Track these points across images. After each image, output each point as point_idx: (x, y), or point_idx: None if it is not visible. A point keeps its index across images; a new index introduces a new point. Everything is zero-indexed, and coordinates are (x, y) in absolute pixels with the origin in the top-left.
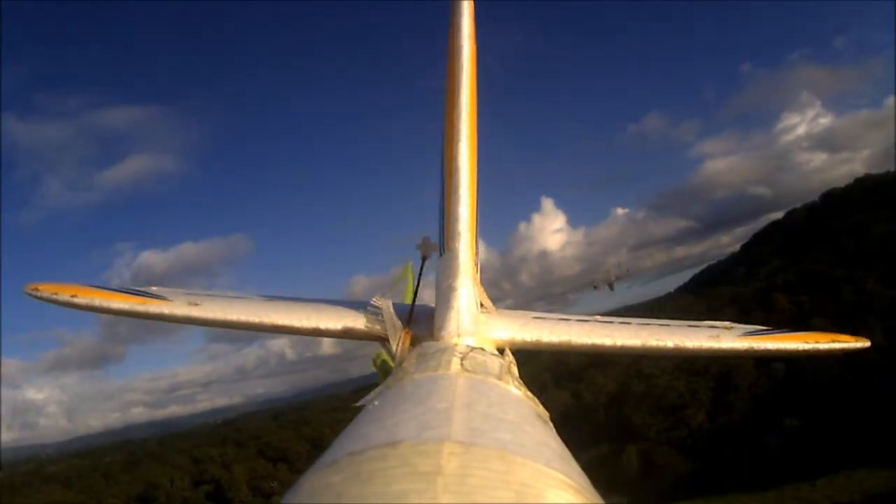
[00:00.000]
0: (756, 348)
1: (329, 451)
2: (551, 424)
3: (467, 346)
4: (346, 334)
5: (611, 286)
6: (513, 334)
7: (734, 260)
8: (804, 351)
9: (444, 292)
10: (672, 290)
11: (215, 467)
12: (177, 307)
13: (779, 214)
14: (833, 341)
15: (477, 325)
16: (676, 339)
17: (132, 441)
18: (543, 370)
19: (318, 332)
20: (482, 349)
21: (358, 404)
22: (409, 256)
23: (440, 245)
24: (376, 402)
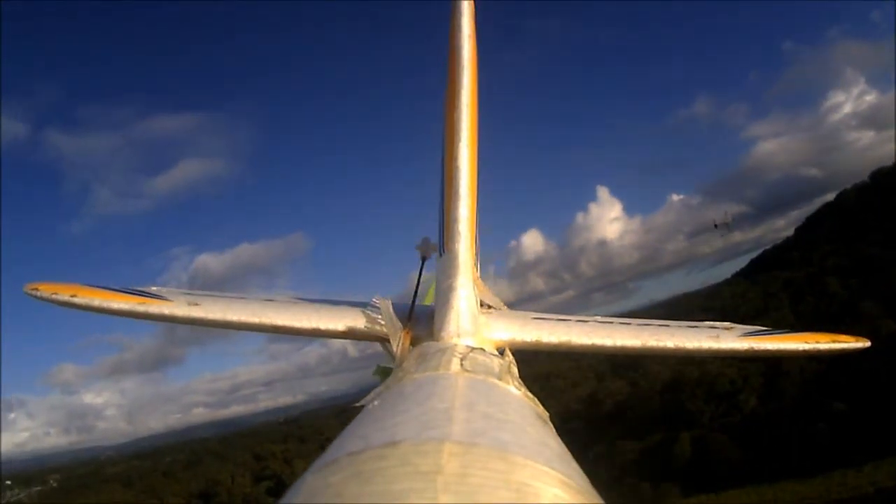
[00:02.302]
0: (756, 349)
1: (329, 451)
2: (551, 424)
3: (467, 346)
4: (347, 334)
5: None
6: (513, 334)
7: (789, 244)
8: (804, 351)
9: (444, 292)
10: (729, 276)
11: (277, 463)
12: (177, 307)
13: (831, 196)
14: (833, 342)
15: (477, 326)
16: (676, 339)
17: (193, 441)
18: (602, 360)
19: (318, 333)
20: (482, 349)
21: (358, 404)
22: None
23: (440, 245)
24: (376, 402)
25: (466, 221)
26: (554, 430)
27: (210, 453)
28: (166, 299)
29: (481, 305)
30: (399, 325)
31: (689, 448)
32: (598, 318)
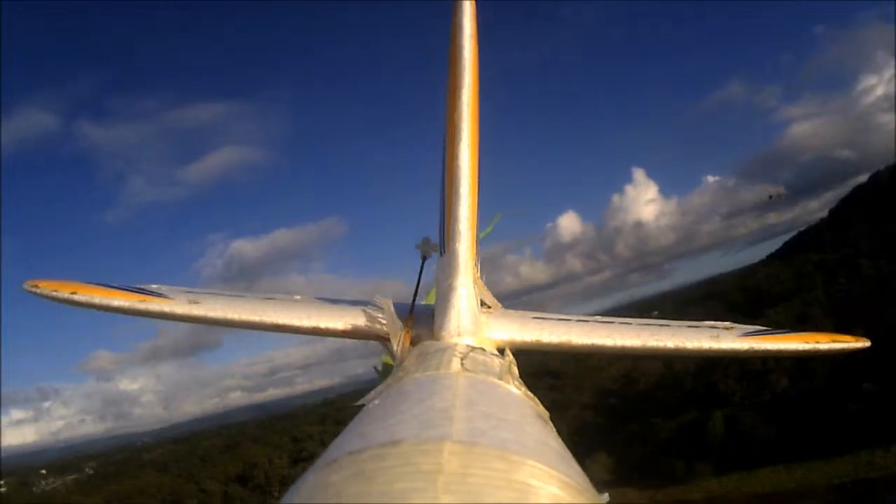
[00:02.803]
0: (756, 349)
1: (329, 450)
2: (551, 424)
3: (467, 345)
4: (347, 334)
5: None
6: (513, 334)
7: (823, 226)
8: (804, 351)
9: (445, 292)
10: (764, 257)
11: (314, 445)
12: (177, 305)
13: (864, 177)
14: (833, 341)
15: (477, 325)
16: (677, 339)
17: (231, 425)
18: None
19: (318, 332)
20: (482, 349)
21: (358, 403)
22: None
23: (440, 245)
24: (377, 402)
25: (467, 221)
26: (554, 430)
27: (247, 437)
28: (167, 297)
29: (481, 305)
30: (399, 324)
31: (722, 426)
32: (599, 318)
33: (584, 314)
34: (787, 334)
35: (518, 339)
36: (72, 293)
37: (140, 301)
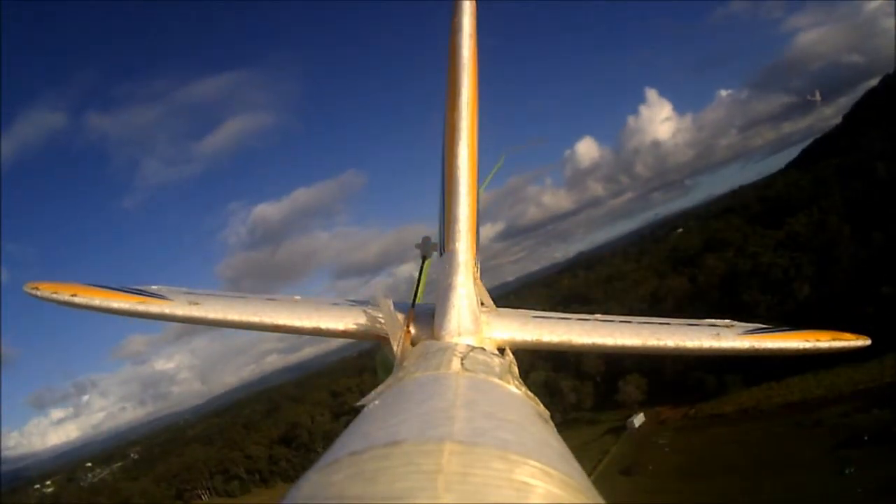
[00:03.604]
0: (757, 347)
1: (330, 450)
2: (552, 424)
3: (467, 345)
4: (347, 334)
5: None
6: (513, 334)
7: (838, 132)
8: (805, 349)
9: (445, 291)
10: (783, 166)
11: (354, 397)
12: (177, 307)
13: (875, 81)
14: (834, 339)
15: (477, 325)
16: (677, 338)
17: (270, 389)
18: (663, 258)
19: (318, 332)
20: (482, 349)
21: (358, 404)
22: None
23: (440, 244)
24: (377, 402)
25: (466, 221)
26: (555, 429)
27: (287, 398)
28: (166, 298)
29: (481, 305)
30: (399, 324)
31: None
32: (599, 317)
33: (585, 314)
34: (787, 332)
35: (518, 338)
36: (72, 295)
37: (140, 303)
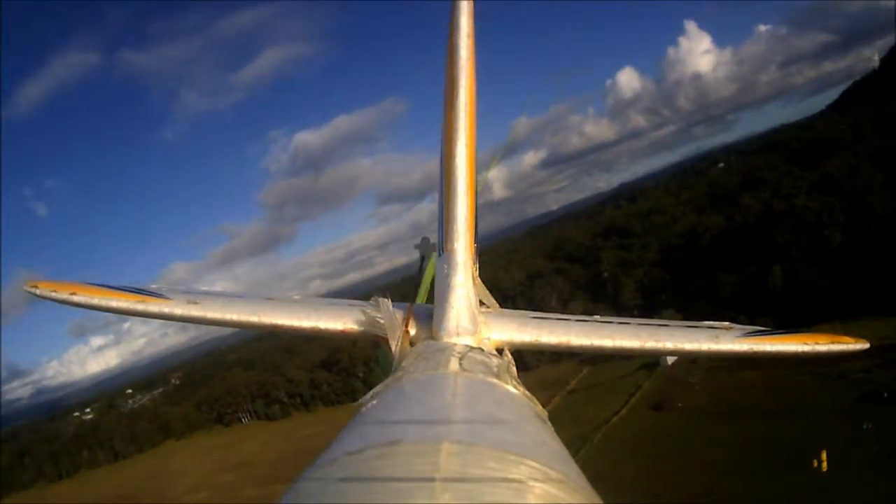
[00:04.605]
0: (755, 349)
1: (328, 450)
2: (550, 424)
3: (466, 345)
4: (346, 333)
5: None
6: (511, 334)
7: (876, 74)
8: (803, 353)
9: (443, 292)
10: (823, 107)
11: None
12: (176, 306)
13: None
14: (832, 342)
15: (476, 325)
16: (675, 340)
17: None
18: (701, 193)
19: (317, 332)
20: (480, 349)
21: (356, 404)
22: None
23: (439, 245)
24: (375, 402)
25: (465, 220)
26: (553, 430)
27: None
28: (165, 297)
29: (480, 305)
30: (398, 324)
31: (781, 281)
32: (598, 318)
33: (584, 314)
34: (786, 335)
35: (517, 339)
36: (71, 294)
37: (138, 301)
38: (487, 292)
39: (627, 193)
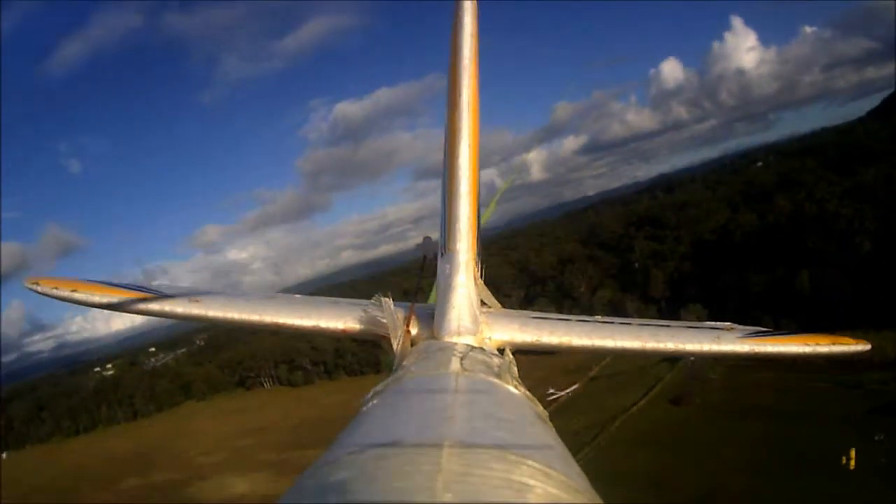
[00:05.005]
0: (757, 350)
1: (329, 450)
2: (551, 424)
3: (467, 345)
4: (347, 333)
5: None
6: (512, 334)
7: None
8: (804, 353)
9: (445, 291)
10: (864, 113)
11: (423, 296)
12: (177, 304)
13: None
14: (833, 343)
15: (477, 325)
16: (677, 340)
17: (342, 283)
18: (736, 190)
19: (318, 331)
20: (482, 349)
21: (358, 403)
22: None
23: (442, 245)
24: (376, 402)
25: (467, 220)
26: (554, 430)
27: (358, 293)
28: (167, 296)
29: (482, 305)
30: (400, 323)
31: (808, 284)
32: (599, 319)
33: (585, 315)
34: (787, 336)
35: (518, 339)
36: (72, 291)
37: (140, 299)
38: (489, 292)
39: (665, 184)
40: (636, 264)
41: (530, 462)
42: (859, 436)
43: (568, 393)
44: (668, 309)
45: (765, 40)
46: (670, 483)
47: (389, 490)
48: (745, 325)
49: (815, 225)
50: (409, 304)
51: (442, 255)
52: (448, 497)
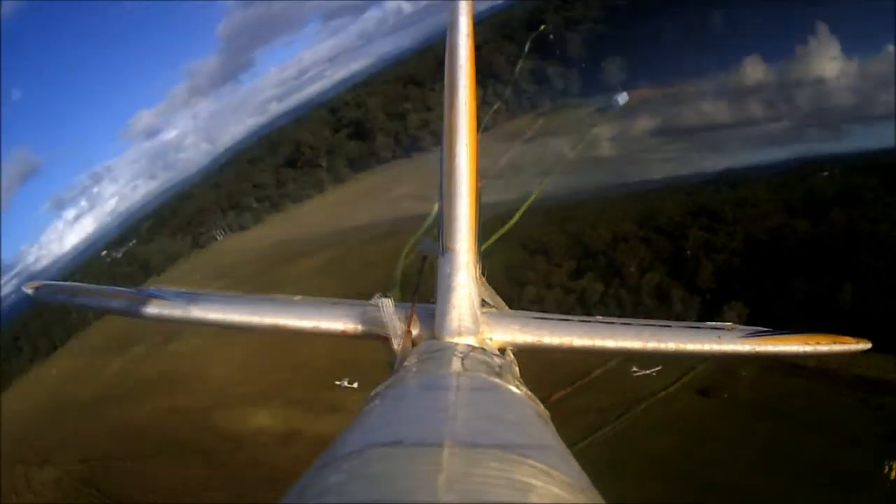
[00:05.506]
0: (758, 350)
1: (330, 450)
2: (552, 424)
3: (468, 345)
4: (348, 333)
5: None
6: (514, 334)
7: None
8: (805, 353)
9: (446, 292)
10: None
11: (351, 110)
12: (175, 307)
13: None
14: (834, 343)
15: (478, 325)
16: (678, 340)
17: (271, 132)
18: (799, 198)
19: (318, 331)
20: (483, 349)
21: (360, 403)
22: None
23: (441, 245)
24: (377, 402)
25: (467, 220)
26: (555, 430)
27: (287, 139)
28: (164, 299)
29: (482, 305)
30: (400, 324)
31: (851, 301)
32: (600, 319)
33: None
34: (788, 336)
35: (519, 339)
36: (72, 295)
37: (138, 302)
38: (493, 291)
39: (730, 178)
40: (688, 252)
41: (532, 462)
42: (872, 461)
43: (653, 373)
44: (712, 301)
45: (847, 51)
46: (679, 472)
47: (391, 490)
48: (759, 326)
49: (867, 241)
50: (409, 304)
51: (442, 255)
52: (450, 497)
